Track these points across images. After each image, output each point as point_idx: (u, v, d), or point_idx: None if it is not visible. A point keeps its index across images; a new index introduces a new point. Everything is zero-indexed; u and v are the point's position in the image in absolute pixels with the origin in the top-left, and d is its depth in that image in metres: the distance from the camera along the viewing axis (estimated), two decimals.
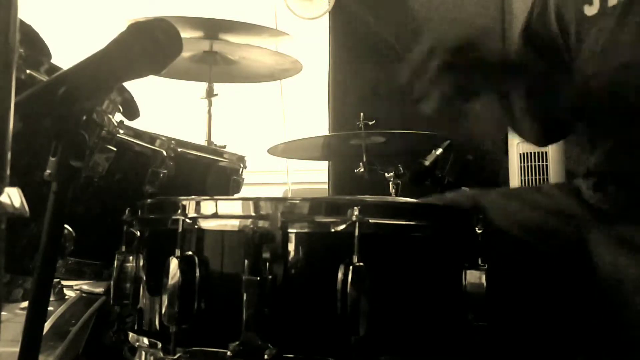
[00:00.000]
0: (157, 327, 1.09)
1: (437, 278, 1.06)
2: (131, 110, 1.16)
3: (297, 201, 1.02)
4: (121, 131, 1.42)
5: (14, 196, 0.80)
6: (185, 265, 1.02)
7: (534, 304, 1.19)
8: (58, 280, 1.74)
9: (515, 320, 1.18)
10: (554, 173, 2.64)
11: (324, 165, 3.36)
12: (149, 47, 0.91)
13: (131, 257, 1.15)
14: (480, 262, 1.06)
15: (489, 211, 1.11)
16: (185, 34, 2.41)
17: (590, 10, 1.27)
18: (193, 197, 1.07)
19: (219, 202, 1.07)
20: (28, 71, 1.32)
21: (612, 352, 1.12)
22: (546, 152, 2.65)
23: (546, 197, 1.35)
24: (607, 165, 1.26)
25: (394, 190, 2.34)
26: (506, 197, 1.36)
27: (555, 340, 1.17)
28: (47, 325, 1.67)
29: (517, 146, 2.70)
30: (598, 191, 1.28)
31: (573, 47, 1.34)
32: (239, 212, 1.03)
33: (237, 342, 0.97)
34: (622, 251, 1.12)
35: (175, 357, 1.01)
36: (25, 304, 1.53)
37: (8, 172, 0.68)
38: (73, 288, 1.83)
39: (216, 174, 1.73)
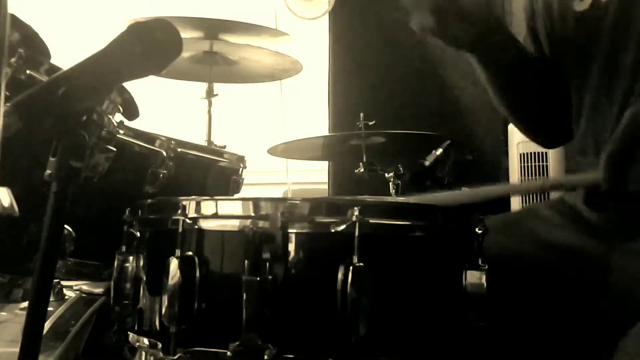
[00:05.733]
0: (157, 327, 1.08)
1: (438, 278, 1.06)
2: (131, 111, 1.16)
3: (297, 201, 1.02)
4: (121, 131, 1.42)
5: (3, 196, 0.80)
6: (186, 265, 1.02)
7: (535, 305, 1.19)
8: (58, 280, 1.74)
9: (516, 321, 1.17)
10: (554, 173, 2.64)
11: (324, 165, 3.36)
12: (149, 47, 0.91)
13: (131, 258, 1.15)
14: (480, 263, 1.06)
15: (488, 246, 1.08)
16: (185, 34, 2.42)
17: (581, 5, 1.22)
18: (193, 197, 1.07)
19: (219, 202, 1.07)
20: (28, 71, 1.32)
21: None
22: (546, 153, 2.65)
23: (546, 225, 1.29)
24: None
25: (394, 191, 2.34)
26: (500, 230, 1.31)
27: (556, 342, 1.17)
28: (47, 325, 1.67)
29: (517, 146, 2.70)
30: (596, 211, 1.22)
31: (556, 46, 1.31)
32: (239, 212, 1.03)
33: (237, 343, 0.97)
34: (635, 276, 1.10)
35: (175, 357, 1.01)
36: (25, 304, 1.54)
37: None
38: (73, 288, 1.83)
39: (216, 174, 1.73)
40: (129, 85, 1.06)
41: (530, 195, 2.56)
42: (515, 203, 2.66)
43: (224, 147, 2.32)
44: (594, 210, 1.23)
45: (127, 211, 1.17)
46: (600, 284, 1.14)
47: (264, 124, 3.67)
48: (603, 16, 1.19)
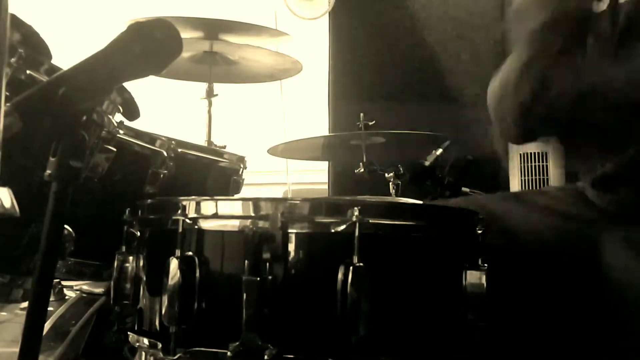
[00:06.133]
0: (157, 327, 1.08)
1: (438, 278, 1.06)
2: (131, 111, 1.16)
3: (297, 201, 1.02)
4: (121, 131, 1.42)
5: (3, 196, 0.80)
6: (185, 265, 1.02)
7: (535, 304, 1.19)
8: (58, 280, 1.74)
9: (515, 321, 1.18)
10: (554, 173, 2.64)
11: (324, 166, 3.36)
12: (149, 47, 0.91)
13: (131, 258, 1.15)
14: (480, 263, 1.06)
15: (494, 216, 1.10)
16: (185, 34, 2.42)
17: (600, 7, 1.23)
18: (193, 197, 1.07)
19: (219, 202, 1.07)
20: (28, 71, 1.32)
21: (616, 354, 1.12)
22: (546, 153, 2.65)
23: (553, 200, 1.34)
24: (622, 170, 1.22)
25: (394, 191, 2.34)
26: (511, 201, 1.35)
27: (556, 341, 1.17)
28: (47, 325, 1.67)
29: (517, 146, 2.70)
30: (607, 193, 1.25)
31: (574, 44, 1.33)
32: (239, 213, 1.03)
33: (237, 343, 0.97)
34: (632, 254, 1.12)
35: (175, 357, 1.01)
36: (25, 304, 1.54)
37: None
38: (73, 288, 1.83)
39: (216, 174, 1.73)
40: (129, 85, 1.06)
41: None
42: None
43: (224, 147, 2.32)
44: (602, 192, 1.26)
45: (127, 211, 1.17)
46: (601, 256, 1.15)
47: (264, 124, 3.67)
48: (619, 14, 1.19)
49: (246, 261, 0.97)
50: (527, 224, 1.27)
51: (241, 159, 1.79)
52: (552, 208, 1.31)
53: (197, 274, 1.02)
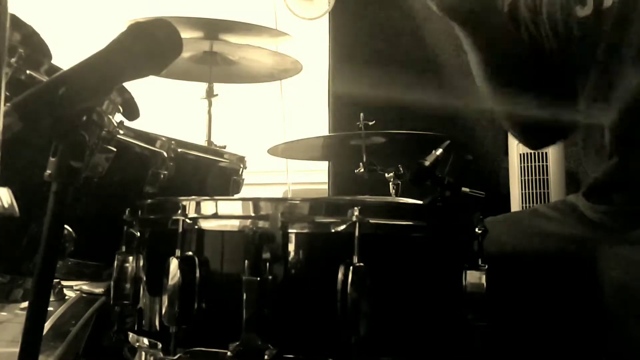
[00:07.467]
0: (157, 327, 1.09)
1: (438, 278, 1.06)
2: (131, 111, 1.16)
3: (297, 201, 1.02)
4: (121, 132, 1.42)
5: (3, 196, 0.80)
6: (186, 265, 1.02)
7: (535, 305, 1.19)
8: (58, 280, 1.74)
9: (515, 321, 1.18)
10: (554, 173, 2.64)
11: (324, 166, 3.36)
12: (149, 47, 0.91)
13: (131, 258, 1.15)
14: (480, 263, 1.06)
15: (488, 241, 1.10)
16: (185, 34, 2.42)
17: (583, 12, 1.25)
18: (193, 197, 1.07)
19: (219, 202, 1.07)
20: (28, 71, 1.32)
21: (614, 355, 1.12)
22: (546, 152, 2.65)
23: (545, 220, 1.34)
24: (613, 175, 1.22)
25: (394, 191, 2.34)
26: (503, 224, 1.35)
27: (555, 342, 1.17)
28: (47, 325, 1.67)
29: (517, 146, 2.70)
30: (600, 203, 1.25)
31: (562, 48, 1.33)
32: (239, 213, 1.03)
33: (238, 343, 0.97)
34: (630, 267, 1.12)
35: (175, 357, 1.02)
36: (25, 304, 1.54)
37: None
38: (73, 288, 1.83)
39: (216, 174, 1.73)
40: (129, 85, 1.06)
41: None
42: (515, 206, 2.66)
43: (224, 147, 2.31)
44: (594, 202, 1.26)
45: (127, 211, 1.17)
46: (595, 272, 1.16)
47: (264, 124, 3.67)
48: (604, 21, 1.21)
49: (246, 261, 0.98)
50: (519, 248, 1.28)
51: (241, 159, 1.79)
52: (546, 229, 1.31)
53: (197, 274, 1.02)
